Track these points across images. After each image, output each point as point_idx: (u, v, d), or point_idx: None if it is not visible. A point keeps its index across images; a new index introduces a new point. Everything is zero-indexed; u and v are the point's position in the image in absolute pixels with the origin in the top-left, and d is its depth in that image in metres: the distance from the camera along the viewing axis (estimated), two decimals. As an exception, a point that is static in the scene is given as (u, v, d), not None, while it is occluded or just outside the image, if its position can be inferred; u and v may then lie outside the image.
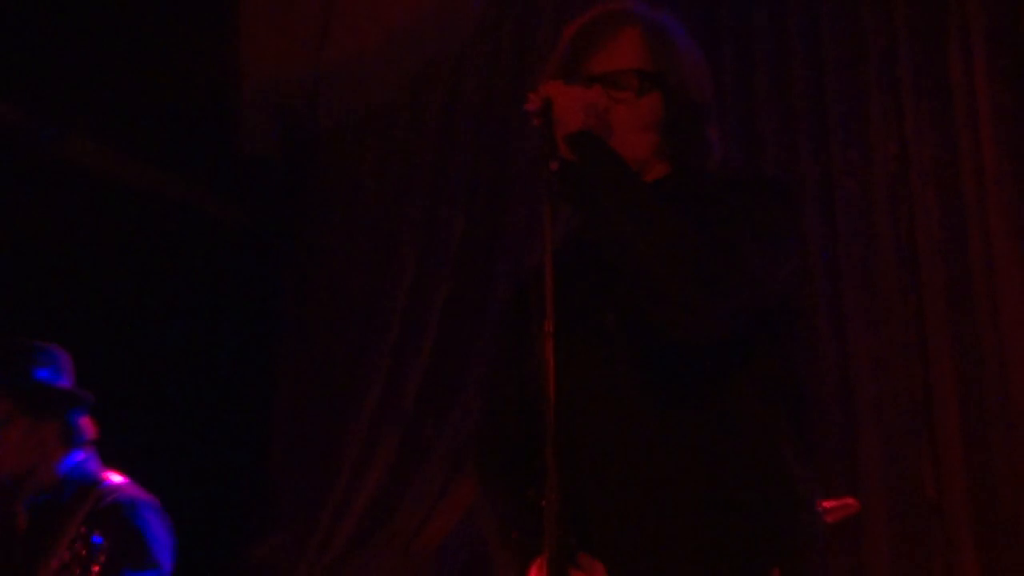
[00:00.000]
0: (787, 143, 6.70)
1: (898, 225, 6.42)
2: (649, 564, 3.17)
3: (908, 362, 6.28)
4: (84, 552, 4.60)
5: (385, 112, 7.69)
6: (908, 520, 6.17)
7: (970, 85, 6.33)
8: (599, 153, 3.21)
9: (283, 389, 7.72)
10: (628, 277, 3.17)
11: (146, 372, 7.43)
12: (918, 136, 6.43)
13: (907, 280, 6.36)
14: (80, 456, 5.00)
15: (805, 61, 6.76)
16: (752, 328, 3.23)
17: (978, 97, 6.30)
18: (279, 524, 7.47)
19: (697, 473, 3.19)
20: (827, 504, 4.67)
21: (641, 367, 3.23)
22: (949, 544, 6.08)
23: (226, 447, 7.62)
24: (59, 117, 7.42)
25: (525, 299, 3.40)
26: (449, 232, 7.37)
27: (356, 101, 7.71)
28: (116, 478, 5.04)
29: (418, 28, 7.50)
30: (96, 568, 4.58)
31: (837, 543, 5.87)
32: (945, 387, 6.19)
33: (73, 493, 4.90)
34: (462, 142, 7.45)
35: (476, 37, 7.48)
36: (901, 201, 6.43)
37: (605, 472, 3.21)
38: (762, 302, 3.23)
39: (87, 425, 5.06)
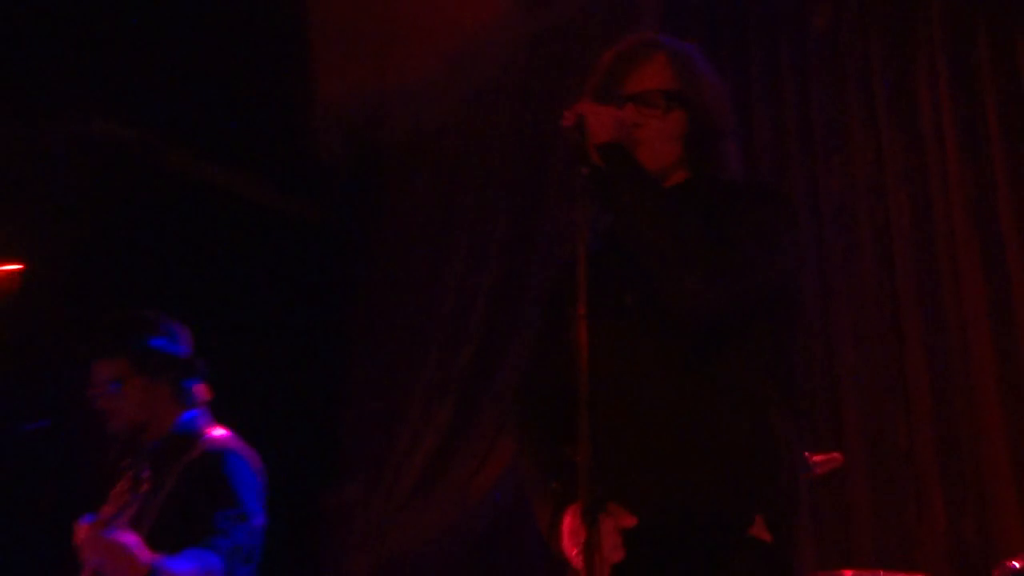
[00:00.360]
0: (778, 151, 6.70)
1: (875, 220, 6.41)
2: (656, 504, 3.18)
3: (884, 335, 6.27)
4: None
5: (439, 126, 7.67)
6: (885, 469, 6.17)
7: (936, 100, 6.33)
8: (623, 161, 3.25)
9: (354, 361, 7.70)
10: (643, 265, 3.23)
11: (244, 344, 7.43)
12: (891, 144, 6.41)
13: (883, 266, 6.35)
14: (192, 414, 4.97)
15: (793, 81, 6.75)
16: (749, 310, 3.26)
17: (942, 110, 6.29)
18: (350, 476, 7.48)
19: (695, 428, 3.21)
20: (816, 458, 4.71)
21: (654, 339, 3.26)
22: (920, 489, 6.08)
23: (305, 410, 7.64)
24: (163, 132, 7.47)
25: (563, 284, 3.39)
26: (493, 228, 7.36)
27: (414, 117, 7.68)
28: (219, 432, 5.02)
29: (467, 56, 7.44)
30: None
31: (825, 490, 5.87)
32: (916, 356, 6.18)
33: (182, 446, 4.87)
34: (505, 153, 7.42)
35: (517, 64, 7.45)
36: (877, 199, 6.42)
37: (621, 426, 3.22)
38: (757, 290, 3.26)
39: (200, 389, 5.02)
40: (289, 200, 8.06)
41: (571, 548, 3.19)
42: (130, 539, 4.39)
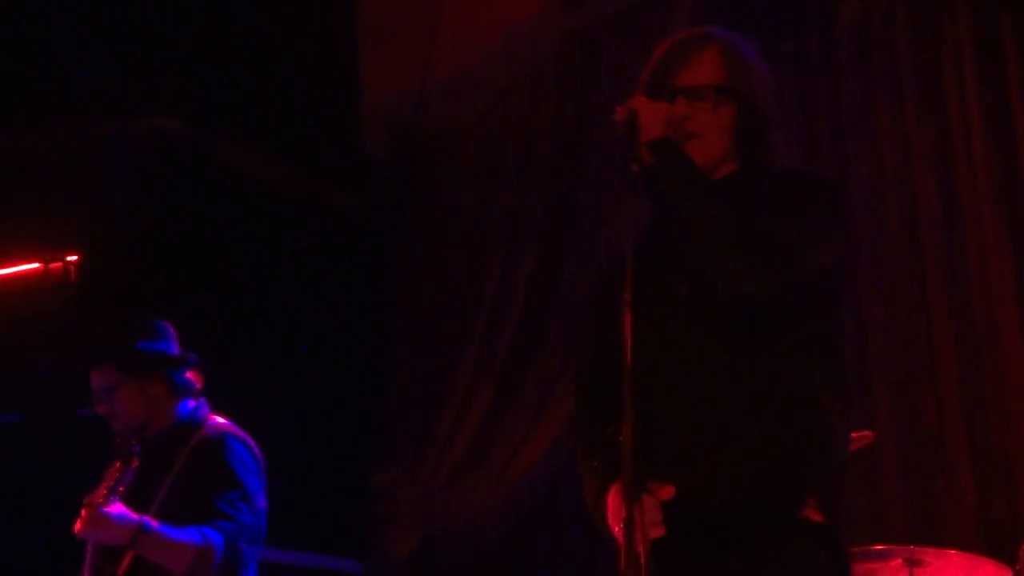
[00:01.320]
0: (808, 139, 6.70)
1: (902, 204, 6.43)
2: (711, 485, 3.18)
3: (913, 318, 6.31)
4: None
5: (479, 119, 7.67)
6: (915, 447, 6.20)
7: (961, 87, 6.35)
8: (674, 157, 3.24)
9: (400, 348, 7.70)
10: (692, 257, 3.24)
11: (294, 333, 7.55)
12: (918, 130, 6.44)
13: (911, 250, 6.37)
14: (191, 404, 5.02)
15: (824, 70, 6.77)
16: (798, 299, 3.23)
17: (969, 98, 6.31)
18: (396, 456, 7.50)
19: (749, 412, 3.20)
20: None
21: (708, 329, 3.25)
22: (949, 466, 6.10)
23: (354, 394, 7.69)
24: (214, 127, 7.54)
25: (617, 274, 3.31)
26: (532, 218, 7.35)
27: (455, 111, 7.68)
28: (219, 420, 5.07)
29: (506, 50, 7.43)
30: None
31: (856, 468, 5.89)
32: (944, 338, 6.21)
33: (182, 435, 4.94)
34: (542, 144, 7.42)
35: (553, 58, 7.45)
36: (905, 184, 6.44)
37: (677, 410, 3.22)
38: (806, 279, 3.23)
39: (194, 378, 5.06)
40: (336, 192, 8.09)
41: (614, 525, 3.19)
42: (114, 509, 4.53)
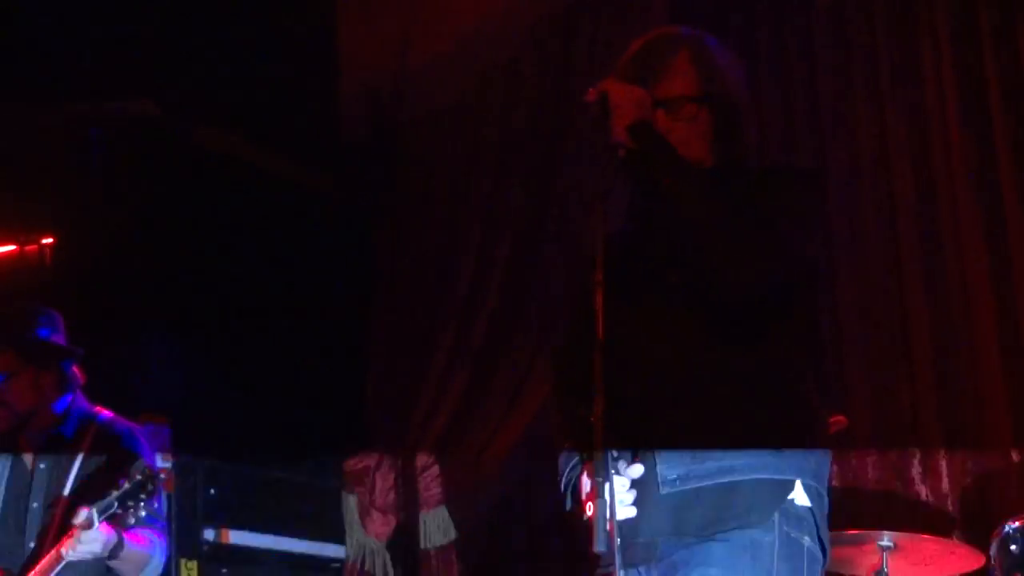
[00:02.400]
0: (785, 125, 6.71)
1: (878, 191, 6.44)
2: (697, 467, 3.17)
3: (888, 303, 6.33)
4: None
5: (456, 103, 7.64)
6: (889, 433, 6.21)
7: (938, 74, 6.35)
8: (655, 141, 3.22)
9: (376, 331, 7.69)
10: (685, 244, 3.21)
11: (269, 317, 7.51)
12: (895, 117, 6.44)
13: (886, 236, 6.38)
14: (70, 398, 4.98)
15: (800, 57, 6.77)
16: (788, 285, 3.24)
17: (945, 84, 6.32)
18: (373, 440, 7.46)
19: (739, 396, 3.21)
20: (822, 421, 4.70)
21: (697, 314, 3.24)
22: (923, 452, 6.12)
23: (329, 379, 7.64)
24: (190, 110, 7.48)
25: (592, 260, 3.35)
26: (508, 201, 7.33)
27: (433, 95, 7.65)
28: (106, 413, 5.06)
29: (482, 34, 7.43)
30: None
31: (832, 453, 5.87)
32: (919, 323, 6.23)
33: (75, 428, 4.92)
34: (519, 128, 7.38)
35: (532, 43, 7.42)
36: (882, 171, 6.44)
37: (666, 393, 3.22)
38: (795, 265, 3.24)
39: (77, 372, 5.04)
40: (313, 174, 8.05)
41: (585, 504, 3.13)
42: (102, 528, 4.50)
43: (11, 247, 7.15)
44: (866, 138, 6.50)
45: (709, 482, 3.17)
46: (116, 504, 4.48)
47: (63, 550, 4.51)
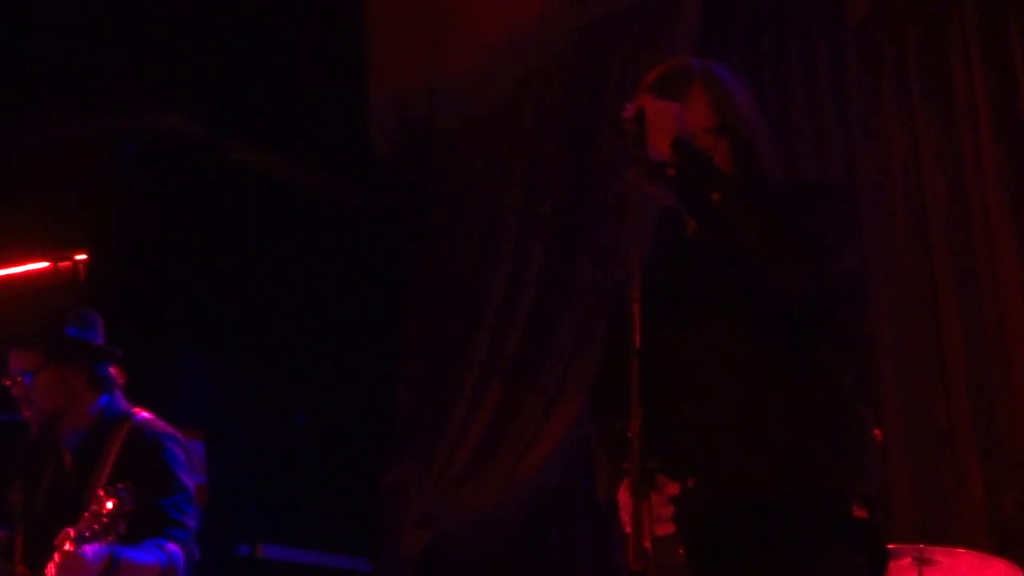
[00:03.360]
0: (817, 137, 6.69)
1: (911, 204, 6.42)
2: (759, 485, 3.17)
3: (922, 317, 6.30)
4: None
5: (488, 117, 7.64)
6: (924, 446, 6.19)
7: (970, 86, 6.35)
8: (699, 157, 3.25)
9: (409, 347, 7.69)
10: (736, 257, 3.20)
11: (305, 330, 7.54)
12: (927, 128, 6.44)
13: (920, 250, 6.36)
14: (106, 399, 4.89)
15: (832, 70, 6.75)
16: (834, 299, 3.26)
17: (976, 95, 6.32)
18: (406, 455, 7.47)
19: (788, 412, 3.20)
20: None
21: (745, 330, 3.24)
22: (958, 464, 6.09)
23: (364, 393, 7.67)
24: (224, 125, 7.49)
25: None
26: (541, 215, 7.32)
27: (464, 109, 7.65)
28: (144, 414, 4.96)
29: (512, 48, 7.43)
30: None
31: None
32: (953, 337, 6.21)
33: (108, 430, 4.82)
34: (550, 142, 7.39)
35: (560, 56, 7.41)
36: (914, 183, 6.43)
37: (711, 408, 3.22)
38: (840, 279, 3.26)
39: (115, 373, 4.94)
40: (346, 189, 8.06)
41: (624, 519, 3.18)
42: (86, 549, 4.40)
43: (45, 263, 7.13)
44: (898, 151, 6.49)
45: (758, 497, 3.16)
46: (99, 527, 4.39)
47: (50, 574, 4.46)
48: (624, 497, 3.20)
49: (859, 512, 3.15)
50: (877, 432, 4.97)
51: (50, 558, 4.50)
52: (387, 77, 7.75)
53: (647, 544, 2.87)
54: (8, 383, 4.86)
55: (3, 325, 6.39)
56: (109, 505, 4.38)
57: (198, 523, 4.80)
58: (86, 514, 4.43)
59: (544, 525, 7.24)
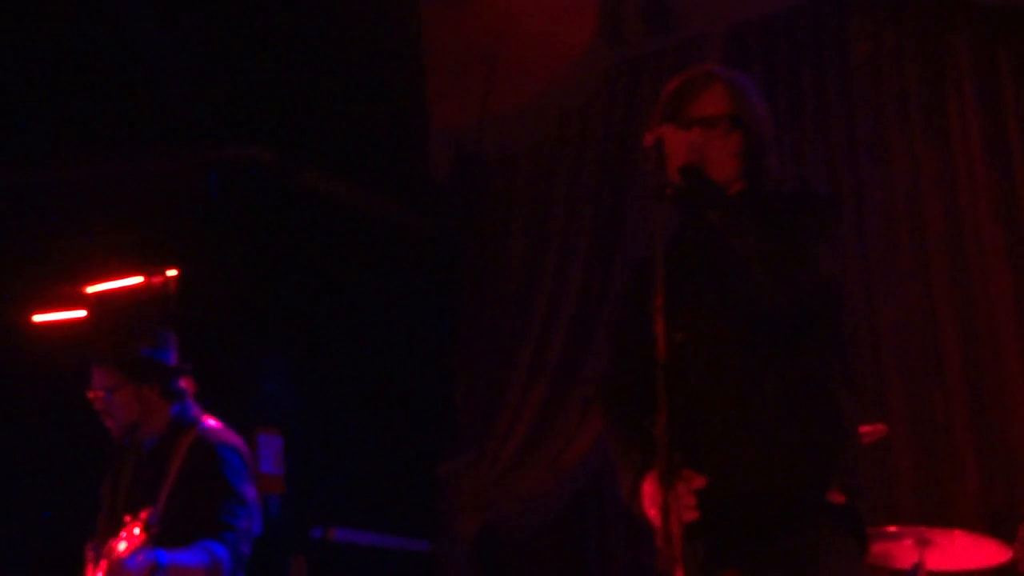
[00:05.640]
0: (827, 164, 6.68)
1: (912, 223, 6.42)
2: (742, 474, 3.21)
3: (922, 324, 6.30)
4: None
5: (533, 147, 7.61)
6: (924, 439, 6.20)
7: (964, 117, 6.35)
8: (703, 179, 3.30)
9: (463, 353, 7.66)
10: (730, 268, 3.26)
11: (372, 339, 7.57)
12: (926, 156, 6.42)
13: (920, 264, 6.36)
14: (177, 408, 4.93)
15: (840, 102, 6.72)
16: (817, 301, 3.30)
17: (971, 125, 6.32)
18: (460, 448, 7.48)
19: (775, 406, 3.24)
20: (864, 429, 4.71)
21: (735, 332, 3.30)
22: (955, 456, 6.11)
23: (424, 392, 7.70)
24: (298, 155, 7.57)
25: (641, 281, 3.43)
26: (581, 235, 7.31)
27: (512, 139, 7.62)
28: (212, 423, 4.98)
29: (557, 83, 7.39)
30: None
31: (871, 458, 5.85)
32: (950, 341, 6.22)
33: (177, 436, 4.87)
34: (589, 170, 7.38)
35: (599, 91, 7.39)
36: (914, 204, 6.43)
37: (708, 406, 3.26)
38: (822, 282, 3.31)
39: (186, 384, 4.97)
40: (406, 213, 8.08)
41: (650, 510, 3.21)
42: (132, 558, 4.43)
43: (139, 278, 7.18)
44: (900, 176, 6.47)
45: (761, 489, 3.21)
46: (148, 531, 4.43)
47: None
48: (649, 488, 3.20)
49: (837, 498, 3.21)
50: (882, 427, 5.07)
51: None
52: (444, 110, 7.69)
53: (674, 530, 2.94)
54: (92, 396, 4.94)
55: (100, 333, 6.54)
56: (136, 531, 4.42)
57: (251, 520, 4.82)
58: (124, 530, 4.47)
59: (583, 510, 7.23)
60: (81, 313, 7.25)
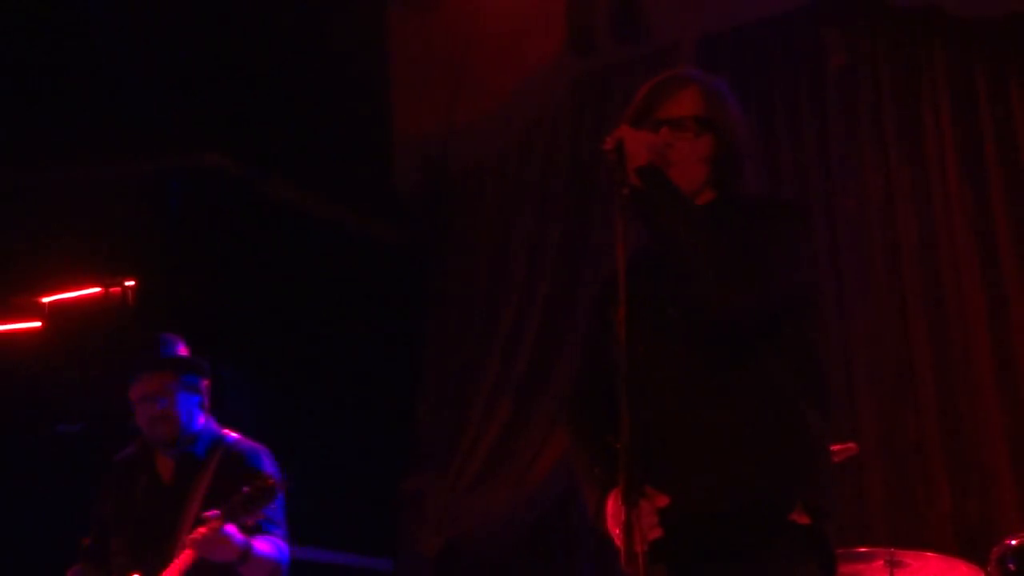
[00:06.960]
0: (799, 175, 6.67)
1: (884, 235, 6.41)
2: (702, 493, 3.11)
3: (894, 340, 6.28)
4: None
5: (499, 156, 7.63)
6: (896, 458, 6.16)
7: (939, 128, 6.36)
8: (660, 182, 3.15)
9: (427, 365, 7.66)
10: (680, 276, 3.15)
11: (331, 351, 7.53)
12: (899, 167, 6.43)
13: (892, 277, 6.35)
14: (203, 417, 4.89)
15: (813, 112, 6.73)
16: (776, 314, 3.18)
17: (945, 137, 6.32)
18: (424, 464, 7.45)
19: (737, 422, 3.13)
20: (834, 447, 4.61)
21: (695, 345, 3.18)
22: (928, 475, 6.07)
23: (385, 408, 7.64)
24: (259, 164, 7.52)
25: (606, 294, 3.35)
26: (548, 247, 7.30)
27: (478, 150, 7.64)
28: (233, 435, 4.97)
29: (524, 93, 7.43)
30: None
31: (842, 477, 5.79)
32: (923, 359, 6.20)
33: (206, 448, 4.84)
34: (557, 179, 7.38)
35: (567, 101, 7.41)
36: (887, 216, 6.42)
37: (669, 422, 3.15)
38: (783, 295, 3.19)
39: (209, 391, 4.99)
40: (370, 223, 8.07)
41: (614, 528, 3.12)
42: (231, 528, 4.45)
43: (97, 288, 7.13)
44: (874, 189, 6.48)
45: (721, 507, 3.11)
46: (240, 507, 4.44)
47: (193, 549, 4.44)
48: (613, 505, 3.12)
49: (801, 519, 3.10)
50: (853, 446, 4.99)
51: (159, 561, 4.55)
52: (409, 121, 7.72)
53: (638, 549, 2.85)
54: (143, 408, 4.82)
55: (60, 343, 6.43)
56: (262, 491, 4.47)
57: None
58: (231, 499, 4.48)
59: (549, 528, 7.18)
60: (36, 324, 7.17)
